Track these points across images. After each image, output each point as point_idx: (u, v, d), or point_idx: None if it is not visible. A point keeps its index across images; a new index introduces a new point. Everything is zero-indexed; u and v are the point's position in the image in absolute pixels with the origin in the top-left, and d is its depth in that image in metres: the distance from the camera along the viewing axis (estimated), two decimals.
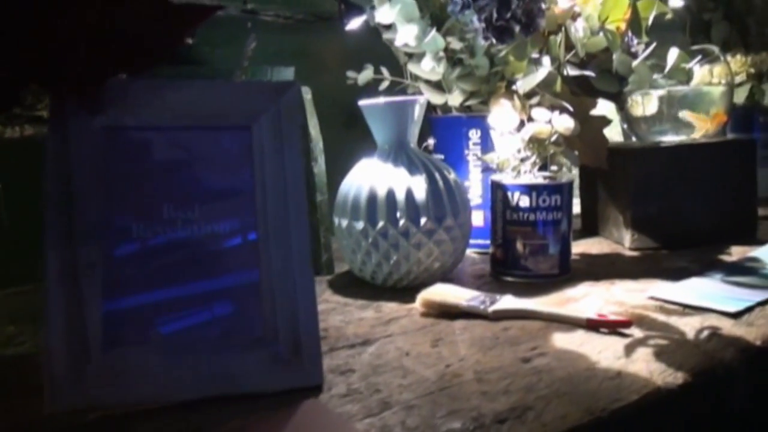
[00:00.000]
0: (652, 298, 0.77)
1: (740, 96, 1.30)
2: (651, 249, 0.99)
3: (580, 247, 1.03)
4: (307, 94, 0.87)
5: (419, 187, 0.80)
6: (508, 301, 0.73)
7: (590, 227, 1.12)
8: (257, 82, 0.70)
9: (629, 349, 0.63)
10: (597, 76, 0.91)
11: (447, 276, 0.86)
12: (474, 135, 0.98)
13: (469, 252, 0.99)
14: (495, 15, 0.83)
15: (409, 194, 0.80)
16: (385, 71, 0.97)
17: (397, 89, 0.98)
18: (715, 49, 1.03)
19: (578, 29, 0.87)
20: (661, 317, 0.72)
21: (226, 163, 0.60)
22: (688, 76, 0.86)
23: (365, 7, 0.86)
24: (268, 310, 0.57)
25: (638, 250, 0.99)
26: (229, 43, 0.96)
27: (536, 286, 0.83)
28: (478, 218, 0.98)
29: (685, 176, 0.99)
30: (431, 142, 1.01)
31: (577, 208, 1.16)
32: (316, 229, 0.88)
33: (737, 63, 1.32)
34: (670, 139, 1.03)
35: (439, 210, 0.80)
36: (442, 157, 1.01)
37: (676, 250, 0.98)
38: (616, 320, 0.68)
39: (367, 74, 0.95)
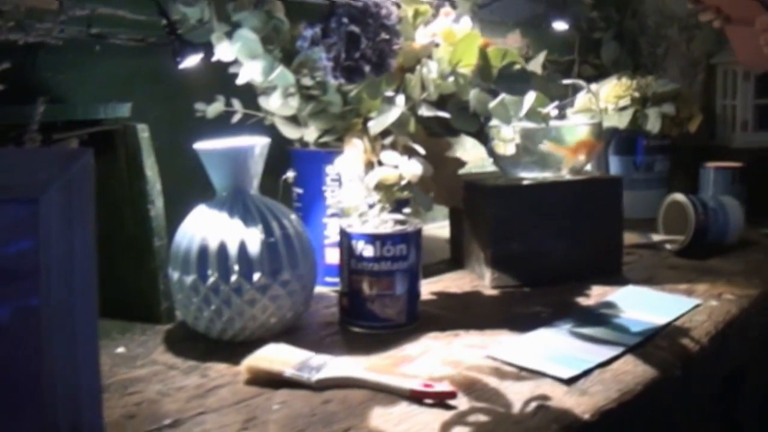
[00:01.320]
0: (490, 357, 0.75)
1: (623, 120, 1.30)
2: (512, 287, 0.98)
3: (442, 283, 1.01)
4: (143, 132, 0.82)
5: (253, 239, 0.76)
6: (335, 368, 0.70)
7: (458, 258, 1.10)
8: (46, 150, 0.65)
9: (445, 429, 0.61)
10: (454, 116, 0.88)
11: (294, 325, 0.83)
12: (332, 171, 0.94)
13: (328, 291, 0.96)
14: (344, 54, 0.80)
15: (242, 247, 0.76)
16: (237, 103, 0.92)
17: (250, 122, 0.93)
18: (584, 84, 1.01)
19: (431, 69, 0.84)
20: (494, 382, 0.70)
21: (8, 239, 0.55)
22: (544, 119, 0.84)
23: (201, 44, 0.81)
24: (47, 405, 0.53)
25: (499, 288, 0.98)
26: (74, 68, 0.90)
27: (380, 339, 0.80)
28: (335, 256, 0.95)
29: (546, 214, 0.98)
30: (291, 174, 0.98)
31: (447, 232, 1.15)
32: (155, 276, 0.83)
33: (622, 86, 1.31)
34: (535, 174, 1.01)
35: (274, 263, 0.77)
36: (301, 191, 0.97)
37: (537, 288, 0.97)
38: (440, 392, 0.66)
39: (217, 107, 0.90)
